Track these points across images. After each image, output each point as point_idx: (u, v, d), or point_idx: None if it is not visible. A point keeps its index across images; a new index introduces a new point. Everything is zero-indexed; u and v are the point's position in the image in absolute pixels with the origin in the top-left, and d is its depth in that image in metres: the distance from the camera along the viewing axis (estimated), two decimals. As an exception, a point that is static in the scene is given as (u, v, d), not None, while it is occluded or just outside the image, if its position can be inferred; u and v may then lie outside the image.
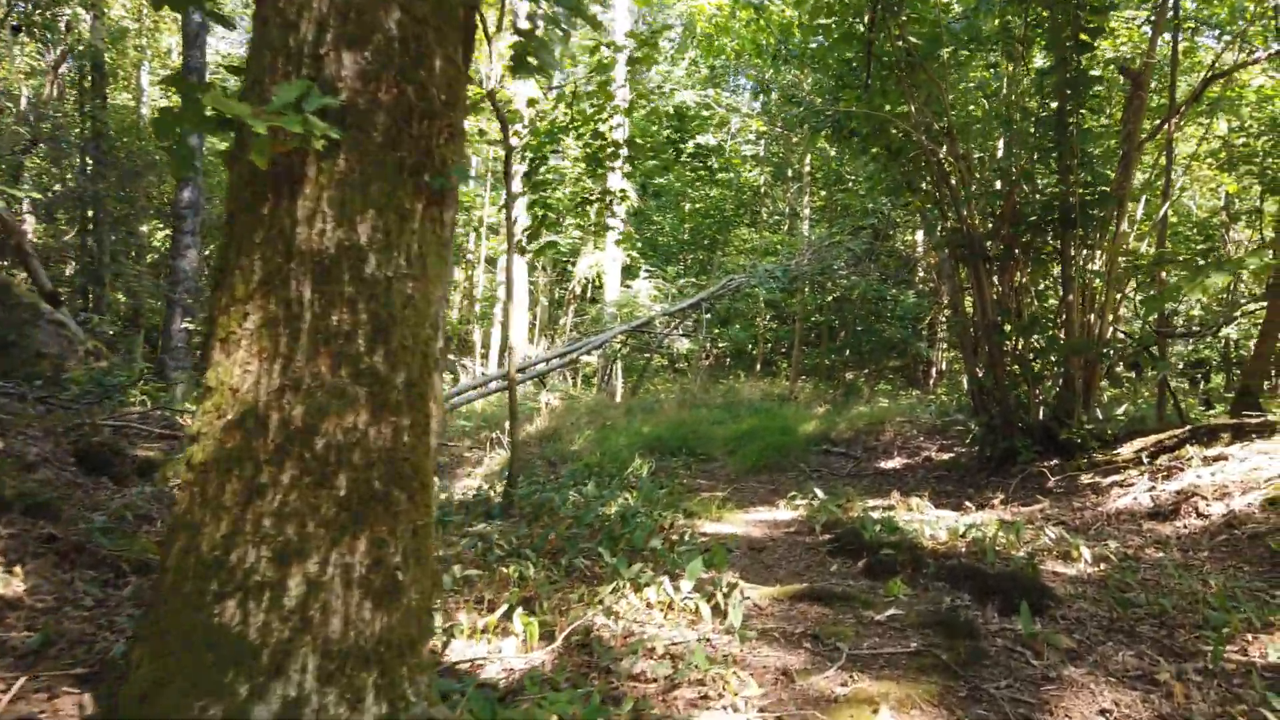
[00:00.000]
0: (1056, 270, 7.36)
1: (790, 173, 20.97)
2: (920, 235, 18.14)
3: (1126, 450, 6.34)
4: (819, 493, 6.47)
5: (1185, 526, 4.83)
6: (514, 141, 7.93)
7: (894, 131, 7.18)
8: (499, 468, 8.17)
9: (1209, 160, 12.82)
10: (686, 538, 5.03)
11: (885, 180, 8.37)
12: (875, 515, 5.81)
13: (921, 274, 17.89)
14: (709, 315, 14.47)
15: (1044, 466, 6.66)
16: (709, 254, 21.77)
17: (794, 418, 11.61)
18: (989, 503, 6.20)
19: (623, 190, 8.36)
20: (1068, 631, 3.34)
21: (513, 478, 6.11)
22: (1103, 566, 4.24)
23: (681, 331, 15.19)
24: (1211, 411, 10.26)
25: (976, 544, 4.58)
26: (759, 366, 21.81)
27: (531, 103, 7.22)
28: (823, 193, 20.15)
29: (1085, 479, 6.11)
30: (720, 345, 20.37)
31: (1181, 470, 5.48)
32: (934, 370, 18.05)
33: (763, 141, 19.41)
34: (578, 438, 9.66)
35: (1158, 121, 6.71)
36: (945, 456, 8.65)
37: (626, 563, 3.89)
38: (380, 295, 1.87)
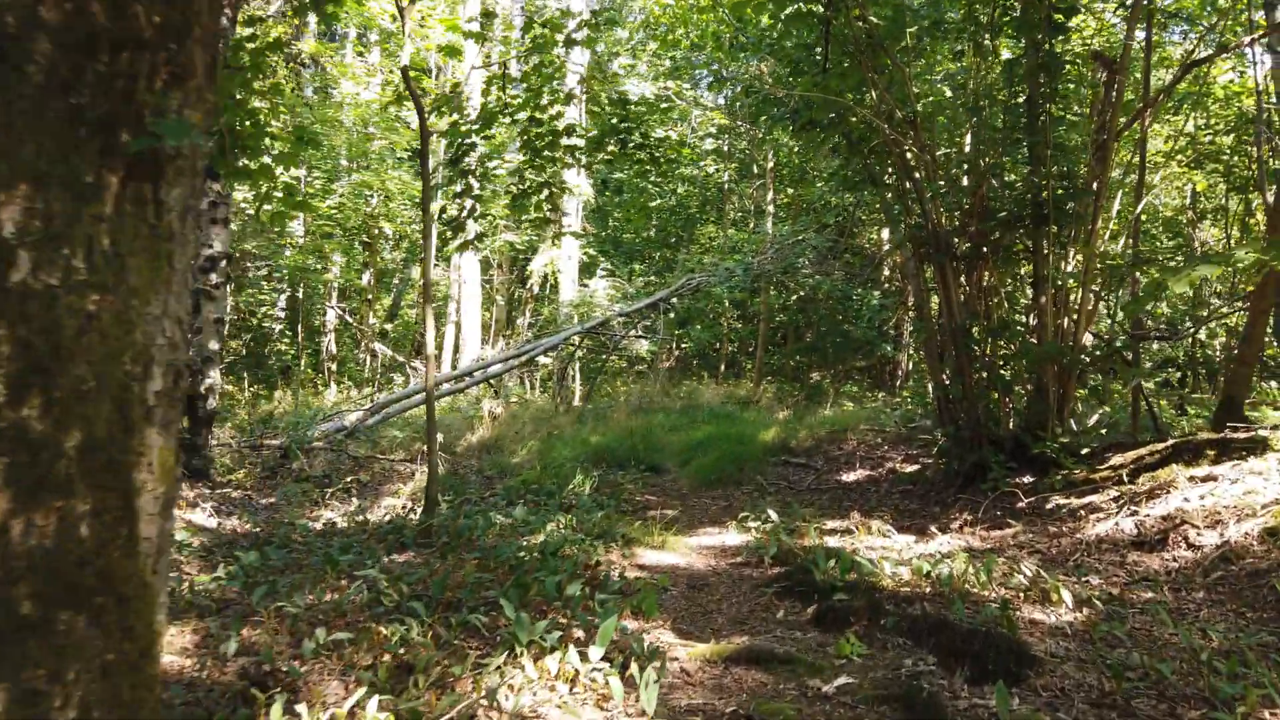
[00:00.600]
0: (1027, 270, 6.85)
1: (755, 169, 20.43)
2: (886, 233, 17.71)
3: (1104, 467, 5.83)
4: (772, 514, 5.89)
5: (1175, 559, 4.30)
6: (443, 125, 7.27)
7: (854, 120, 6.61)
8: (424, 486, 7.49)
9: (1177, 157, 12.51)
10: (616, 576, 4.42)
11: (846, 174, 7.81)
12: (831, 543, 5.25)
13: (887, 272, 17.45)
14: (669, 315, 13.86)
15: (1016, 483, 6.14)
16: (674, 252, 21.19)
17: (754, 424, 11.05)
18: (956, 525, 5.66)
19: (564, 183, 7.72)
20: (1050, 708, 2.77)
21: (430, 502, 5.45)
22: (1086, 613, 3.69)
23: (639, 333, 14.58)
24: (1185, 416, 9.87)
25: (943, 584, 4.01)
26: (724, 368, 21.29)
27: (455, 86, 6.56)
28: (789, 190, 19.67)
29: (1060, 499, 5.58)
30: (684, 346, 19.81)
31: (1166, 492, 4.97)
32: (900, 372, 17.64)
33: (725, 137, 18.84)
34: (521, 448, 9.01)
35: (1131, 115, 6.21)
36: (910, 469, 8.12)
37: (530, 621, 3.26)
38: (36, 315, 1.22)
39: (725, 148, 19.96)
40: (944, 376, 6.78)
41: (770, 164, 17.03)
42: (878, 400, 15.69)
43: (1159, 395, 9.08)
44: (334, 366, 18.41)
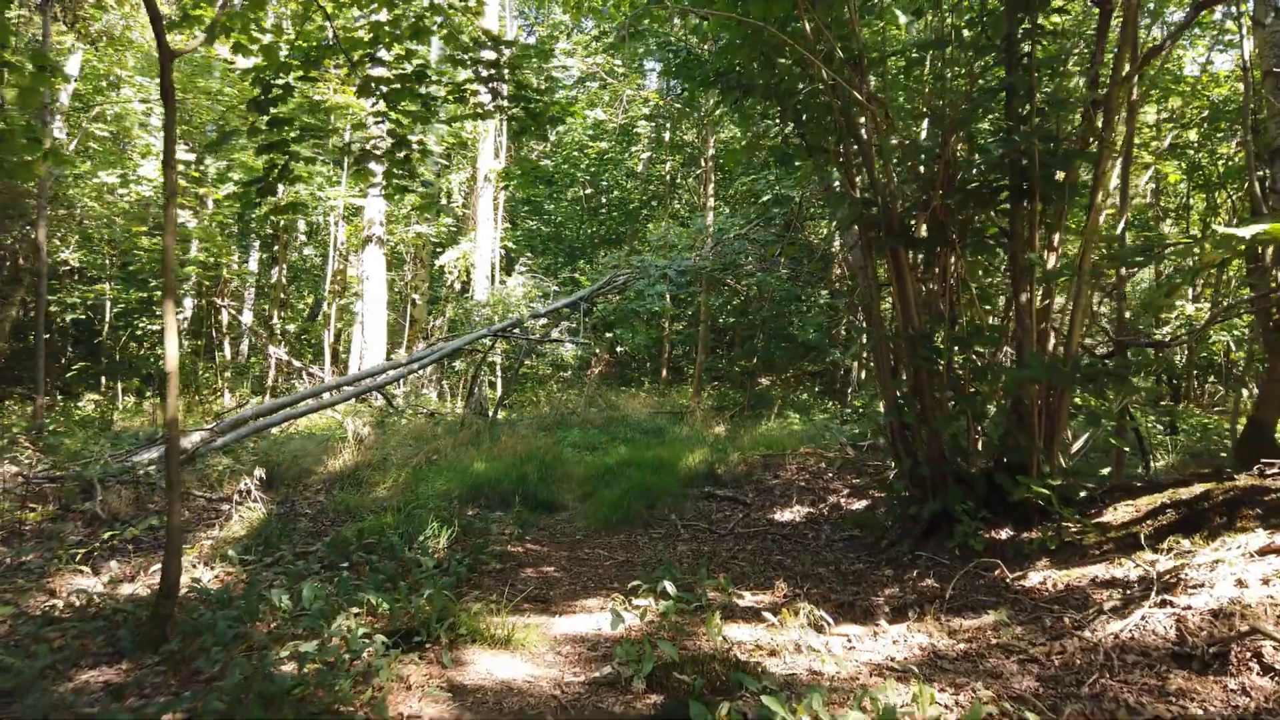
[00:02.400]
0: (1002, 259, 5.39)
1: (697, 156, 18.92)
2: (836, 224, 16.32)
3: (1110, 519, 4.38)
4: (669, 588, 4.31)
5: (1246, 689, 2.82)
6: (243, 63, 5.57)
7: (783, 62, 5.08)
8: (242, 533, 5.77)
9: (1151, 145, 11.34)
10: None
11: (779, 143, 6.29)
12: (740, 637, 3.70)
13: (838, 271, 16.07)
14: (589, 317, 12.24)
15: (991, 538, 4.66)
16: (616, 249, 19.61)
17: (680, 444, 9.50)
18: (914, 604, 4.14)
19: (421, 142, 6.07)
20: None
21: (168, 588, 3.76)
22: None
23: (562, 335, 12.95)
24: (1174, 436, 8.55)
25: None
26: (665, 372, 19.74)
27: (253, 7, 4.87)
28: (732, 181, 18.20)
29: (1055, 571, 4.10)
30: (620, 350, 18.22)
31: (1210, 569, 3.50)
32: (851, 378, 16.27)
33: (663, 120, 17.28)
34: (386, 480, 7.32)
35: (1144, 52, 4.76)
36: (858, 505, 6.63)
37: None
38: None
39: (665, 135, 18.42)
40: (898, 396, 5.28)
41: (710, 150, 15.55)
42: (828, 411, 14.29)
43: (1144, 414, 7.72)
44: (226, 374, 16.45)
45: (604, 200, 21.12)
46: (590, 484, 7.58)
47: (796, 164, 6.28)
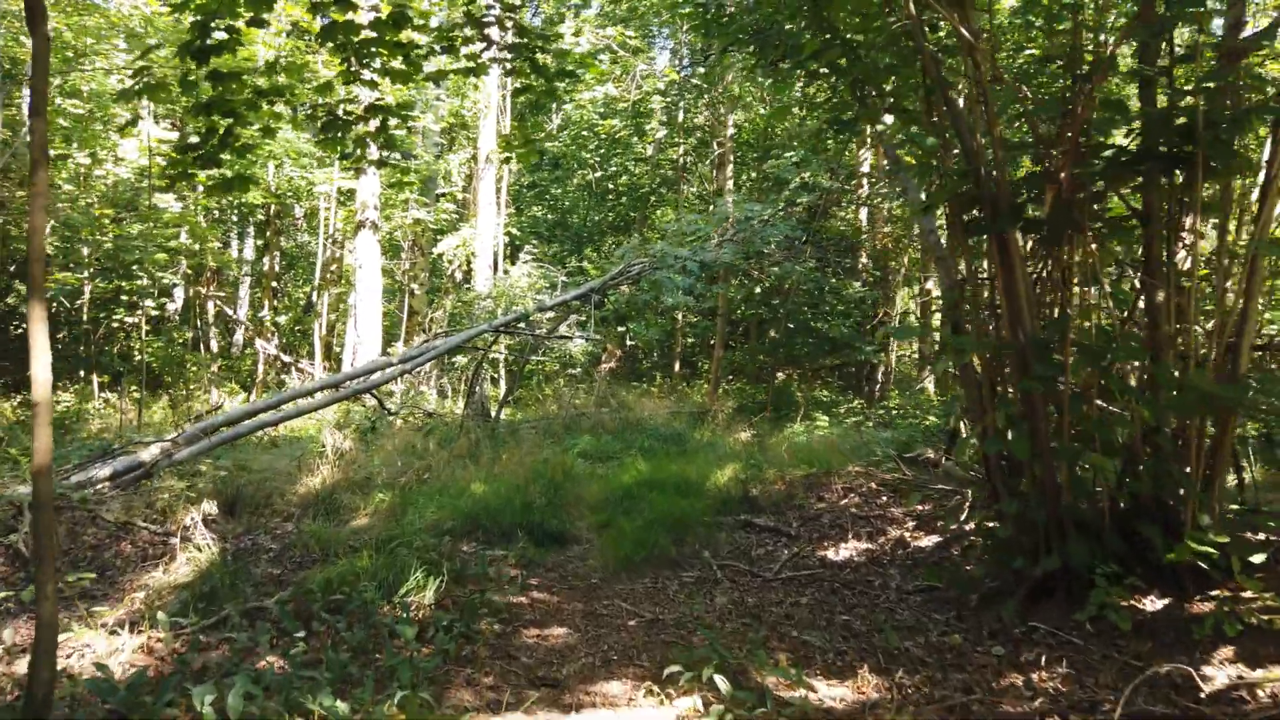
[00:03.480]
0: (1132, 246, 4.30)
1: (713, 139, 17.76)
2: (865, 215, 15.20)
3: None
4: (720, 682, 3.25)
5: None
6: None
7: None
8: (188, 578, 4.73)
9: None
10: None
11: (835, 104, 5.18)
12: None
13: (865, 260, 14.95)
14: (602, 310, 11.14)
15: (1136, 607, 3.59)
16: (625, 236, 18.48)
17: (705, 455, 8.46)
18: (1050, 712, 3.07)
19: (401, 107, 5.00)
20: None
21: (37, 702, 2.71)
22: None
23: (572, 329, 11.88)
24: None
25: None
26: (678, 367, 18.65)
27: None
28: (753, 164, 17.05)
29: (1253, 674, 3.03)
30: (631, 344, 17.15)
31: None
32: (880, 375, 15.18)
33: (677, 97, 16.12)
34: (368, 504, 6.26)
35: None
36: (926, 542, 5.55)
37: None
38: None
39: (680, 115, 17.25)
40: (994, 422, 4.19)
41: (729, 130, 14.43)
42: (856, 409, 13.20)
43: None
44: (212, 370, 15.42)
45: (611, 186, 19.98)
46: (606, 509, 6.52)
47: (842, 136, 5.20)
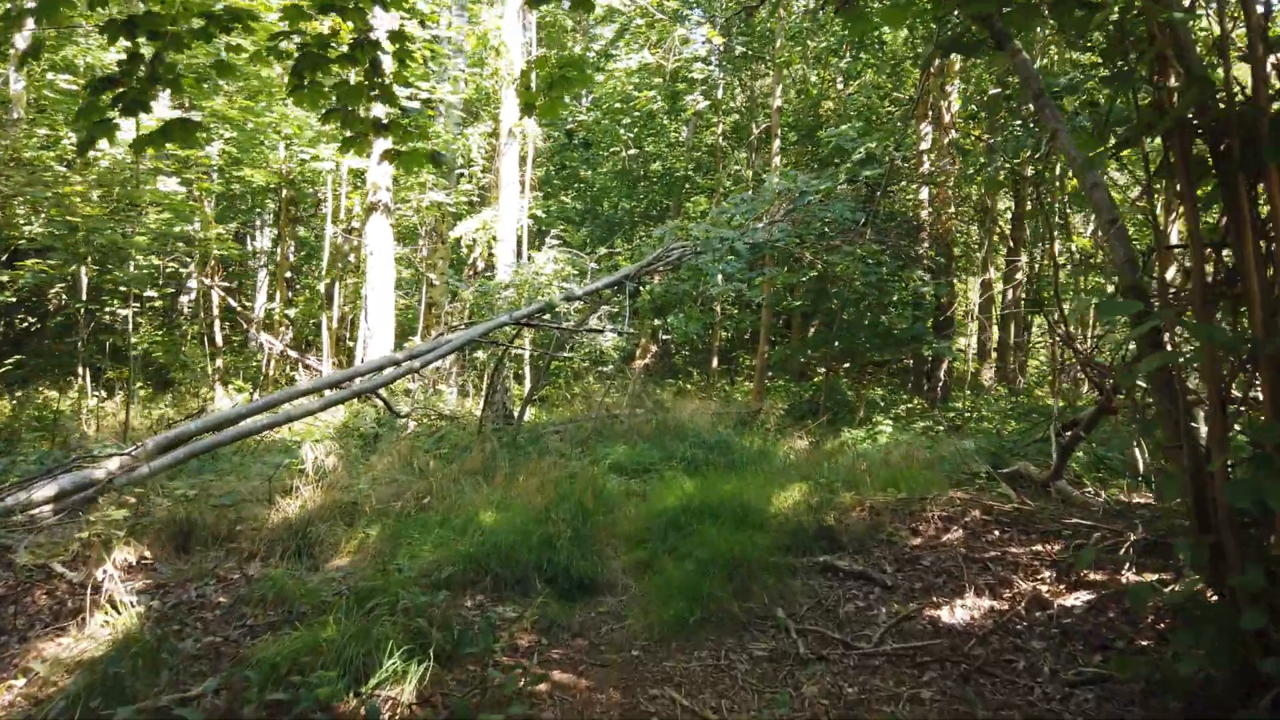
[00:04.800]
0: None
1: (755, 114, 16.35)
2: (925, 194, 13.72)
3: None
4: None
5: None
6: None
7: None
8: (99, 651, 3.55)
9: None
10: None
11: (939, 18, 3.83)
12: None
13: (927, 245, 13.50)
14: (638, 299, 9.83)
15: None
16: (658, 224, 17.16)
17: (759, 470, 7.15)
18: None
19: (401, 36, 3.78)
20: None
21: None
22: None
23: (604, 322, 10.61)
24: None
25: None
26: (715, 364, 17.32)
27: None
28: (793, 148, 15.64)
29: None
30: (665, 340, 15.86)
31: None
32: (942, 372, 13.71)
33: (715, 69, 14.74)
34: (350, 540, 5.03)
35: None
36: (1072, 598, 4.20)
37: None
38: None
39: (719, 90, 15.87)
40: (1208, 449, 2.85)
41: (776, 101, 13.04)
42: (917, 411, 11.80)
43: None
44: (217, 366, 14.39)
45: (644, 173, 18.67)
46: (647, 543, 5.24)
47: (982, 51, 3.84)
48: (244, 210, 17.70)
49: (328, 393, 7.63)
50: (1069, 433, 6.61)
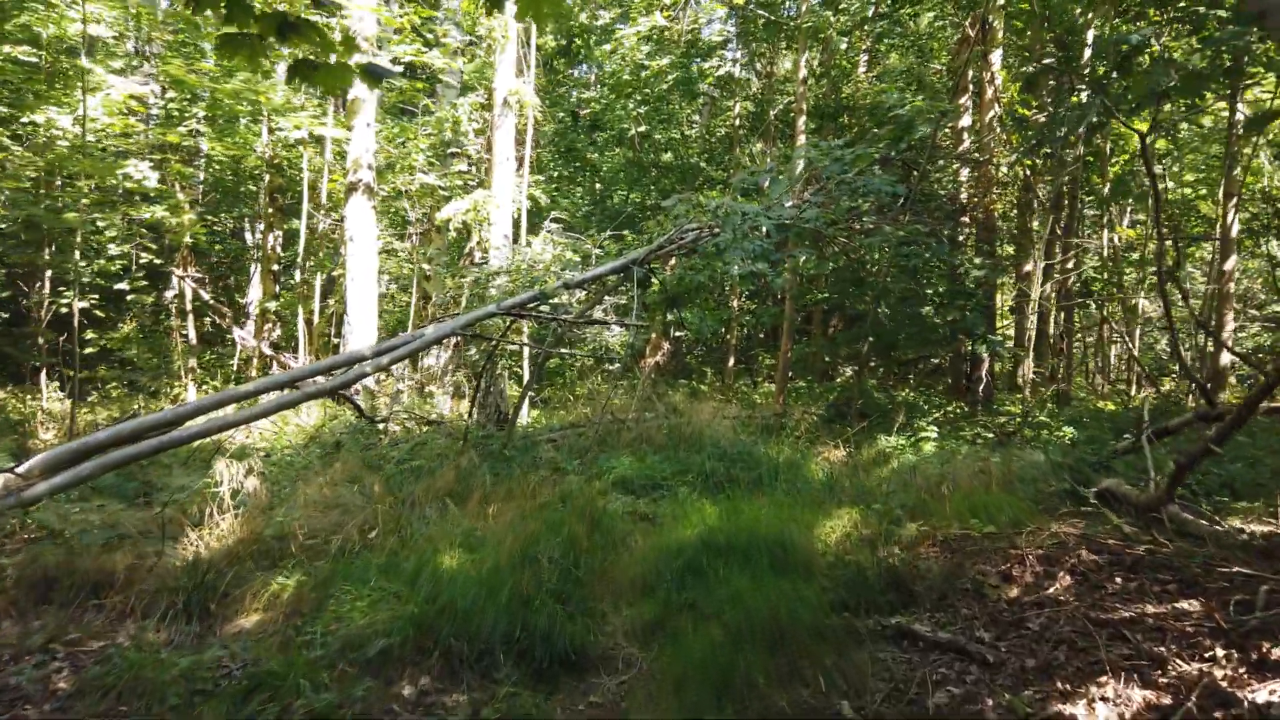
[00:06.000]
0: None
1: (763, 100, 15.07)
2: (965, 173, 12.41)
3: None
4: None
5: None
6: None
7: None
8: None
9: None
10: None
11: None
12: None
13: (969, 230, 12.20)
14: (646, 289, 8.57)
15: None
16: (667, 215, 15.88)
17: (795, 494, 5.90)
18: None
19: None
20: None
21: None
22: None
23: (606, 312, 9.38)
24: None
25: None
26: (731, 362, 16.03)
27: None
28: (815, 133, 14.36)
29: None
30: (679, 336, 14.59)
31: None
32: (983, 372, 12.37)
33: (731, 44, 13.48)
34: (265, 592, 3.82)
35: None
36: (1261, 690, 2.93)
37: None
38: None
39: (735, 66, 14.58)
40: None
41: (801, 73, 11.75)
42: (958, 415, 10.49)
43: None
44: (191, 363, 13.23)
45: (655, 161, 17.41)
46: (657, 594, 3.99)
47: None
48: (240, 203, 16.57)
49: (268, 395, 6.41)
50: (1163, 438, 5.40)
